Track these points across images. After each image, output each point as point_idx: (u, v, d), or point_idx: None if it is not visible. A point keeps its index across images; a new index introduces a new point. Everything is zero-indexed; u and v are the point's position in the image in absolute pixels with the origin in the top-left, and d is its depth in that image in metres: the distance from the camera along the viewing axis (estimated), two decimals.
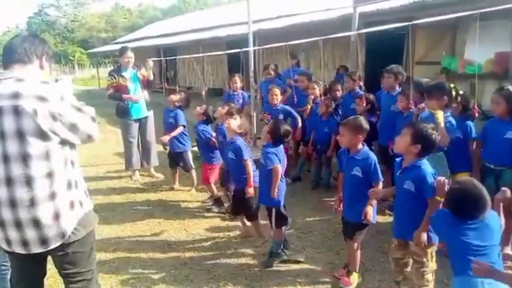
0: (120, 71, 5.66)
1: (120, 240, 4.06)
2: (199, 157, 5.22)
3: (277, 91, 5.33)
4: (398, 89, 4.46)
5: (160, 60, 11.78)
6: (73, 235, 2.04)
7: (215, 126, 4.68)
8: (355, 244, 3.12)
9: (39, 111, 1.85)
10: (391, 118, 4.32)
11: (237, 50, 6.76)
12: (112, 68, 7.02)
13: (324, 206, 4.70)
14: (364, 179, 2.99)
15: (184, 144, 5.27)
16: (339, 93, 5.40)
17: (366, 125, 3.07)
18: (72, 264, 2.13)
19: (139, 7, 59.42)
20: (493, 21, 5.49)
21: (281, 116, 5.12)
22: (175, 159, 5.39)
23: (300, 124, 5.35)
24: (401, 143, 2.67)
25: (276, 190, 3.38)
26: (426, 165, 2.62)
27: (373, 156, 3.03)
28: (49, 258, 2.17)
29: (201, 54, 9.47)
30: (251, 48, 6.22)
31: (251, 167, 3.78)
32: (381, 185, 2.99)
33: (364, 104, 4.76)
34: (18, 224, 1.92)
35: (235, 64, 9.31)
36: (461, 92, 3.72)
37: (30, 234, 1.94)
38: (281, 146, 3.53)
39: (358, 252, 3.17)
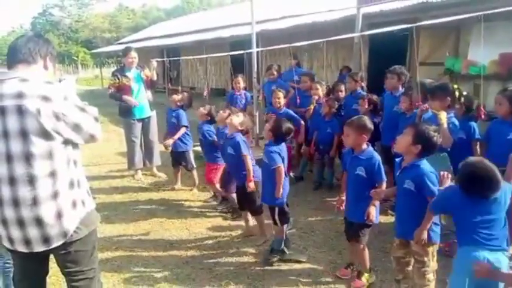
0: (124, 71, 5.66)
1: (122, 239, 4.07)
2: (201, 157, 5.23)
3: (281, 94, 5.16)
4: (401, 89, 4.45)
5: (164, 60, 11.80)
6: (75, 234, 2.05)
7: (216, 129, 4.69)
8: (361, 245, 3.11)
9: (42, 111, 1.86)
10: (394, 119, 4.31)
11: (241, 52, 6.74)
12: (115, 68, 7.02)
13: (326, 206, 4.70)
14: (367, 179, 2.98)
15: (186, 144, 5.29)
16: (341, 94, 5.40)
17: (371, 125, 3.07)
18: (75, 263, 2.14)
19: (143, 8, 59.67)
20: (497, 23, 5.48)
21: None
22: (177, 158, 5.41)
23: (303, 129, 5.29)
24: (403, 142, 2.68)
25: (281, 190, 3.39)
26: (425, 164, 2.63)
27: (378, 157, 3.03)
28: (51, 256, 2.18)
29: (205, 56, 9.47)
30: (254, 50, 6.22)
31: (250, 162, 3.81)
32: (384, 185, 3.00)
33: (367, 106, 4.76)
34: (20, 223, 1.93)
35: (239, 64, 9.32)
36: (464, 93, 3.71)
37: (33, 232, 1.95)
38: (283, 144, 3.52)
39: (366, 252, 3.15)
